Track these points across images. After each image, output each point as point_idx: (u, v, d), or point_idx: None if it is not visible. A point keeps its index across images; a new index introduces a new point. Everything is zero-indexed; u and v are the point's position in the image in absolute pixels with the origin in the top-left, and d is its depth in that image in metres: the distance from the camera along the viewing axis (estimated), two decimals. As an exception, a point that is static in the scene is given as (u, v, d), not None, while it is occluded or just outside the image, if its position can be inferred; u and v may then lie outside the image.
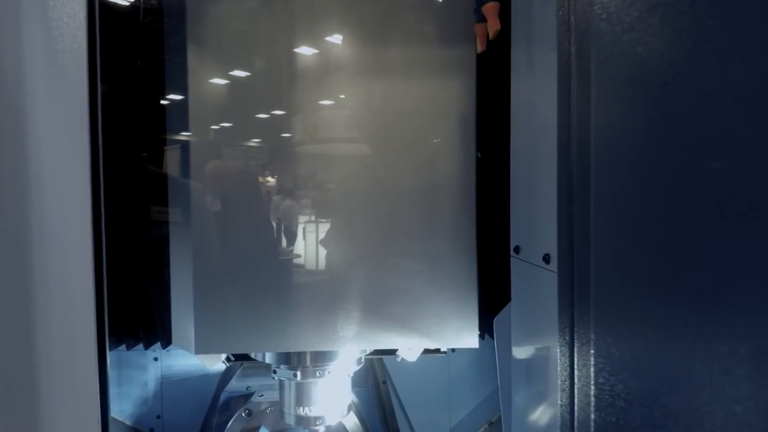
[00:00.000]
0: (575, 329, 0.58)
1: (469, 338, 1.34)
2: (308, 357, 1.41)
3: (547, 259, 0.78)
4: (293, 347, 1.30)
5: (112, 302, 1.87)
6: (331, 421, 1.51)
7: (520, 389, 1.03)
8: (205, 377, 2.25)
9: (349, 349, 1.44)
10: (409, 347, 1.37)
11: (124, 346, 2.05)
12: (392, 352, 1.82)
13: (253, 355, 1.48)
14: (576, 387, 0.59)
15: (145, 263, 1.48)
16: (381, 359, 2.39)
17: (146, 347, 2.07)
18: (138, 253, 1.47)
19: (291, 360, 1.42)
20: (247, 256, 1.31)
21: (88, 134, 0.83)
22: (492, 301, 1.43)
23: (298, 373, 1.43)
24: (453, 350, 2.33)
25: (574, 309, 0.58)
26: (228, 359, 1.49)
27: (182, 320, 1.35)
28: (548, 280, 0.75)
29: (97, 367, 0.76)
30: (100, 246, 0.84)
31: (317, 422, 1.48)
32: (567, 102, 0.65)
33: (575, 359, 0.58)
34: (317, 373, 1.44)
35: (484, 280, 1.36)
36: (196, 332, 1.31)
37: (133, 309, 1.96)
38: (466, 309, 1.33)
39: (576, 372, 0.58)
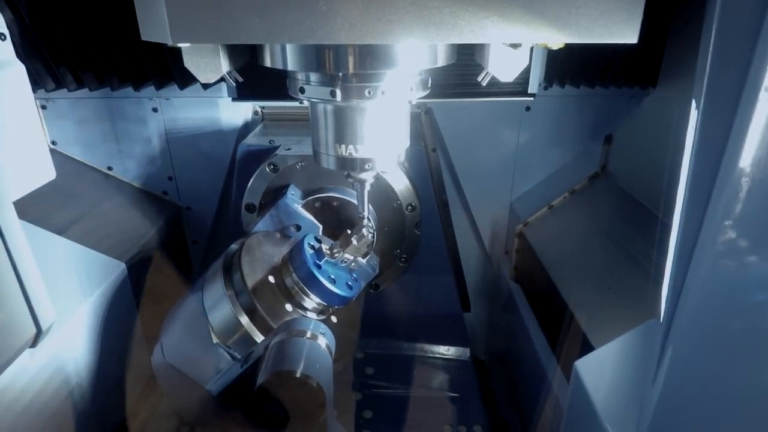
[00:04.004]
0: None
1: (627, 28, 0.78)
2: (351, 63, 0.90)
3: None
4: (325, 37, 0.77)
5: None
6: (383, 166, 1.08)
7: None
8: (219, 134, 1.84)
9: (414, 49, 0.92)
10: (515, 41, 0.83)
11: (109, 90, 1.60)
12: (467, 93, 1.31)
13: (268, 61, 0.97)
14: None
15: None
16: (432, 122, 1.92)
17: (136, 88, 1.61)
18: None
19: (325, 67, 0.92)
20: None
21: None
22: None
23: (338, 92, 0.95)
24: (528, 108, 1.82)
25: None
26: (234, 80, 1.00)
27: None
28: None
29: None
30: None
31: (365, 166, 1.06)
32: None
33: None
34: (366, 92, 0.95)
35: None
36: (169, 10, 0.78)
37: (112, 45, 1.44)
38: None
39: None
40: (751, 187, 0.66)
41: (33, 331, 0.92)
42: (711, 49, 0.68)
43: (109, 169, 1.88)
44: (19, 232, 0.86)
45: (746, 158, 0.64)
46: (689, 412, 0.79)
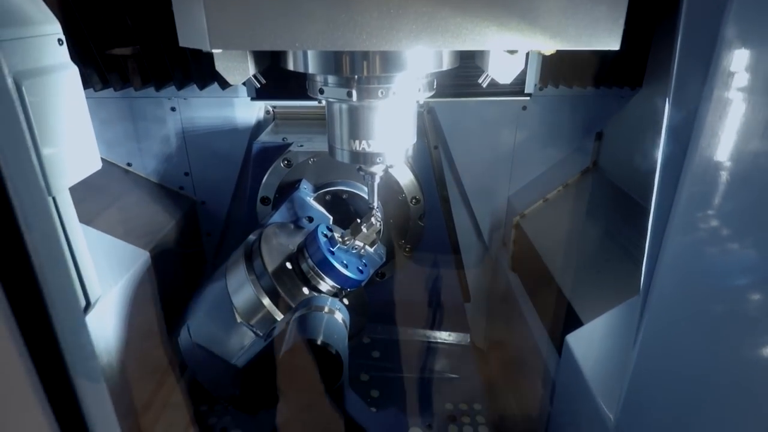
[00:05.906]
0: None
1: (610, 36, 0.90)
2: (366, 67, 1.02)
3: None
4: (345, 44, 0.88)
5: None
6: (393, 159, 1.19)
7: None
8: (234, 132, 1.95)
9: (422, 54, 1.03)
10: (512, 47, 0.94)
11: (132, 90, 1.71)
12: (468, 93, 1.42)
13: (291, 65, 1.09)
14: None
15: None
16: (435, 121, 2.03)
17: (157, 88, 1.72)
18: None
19: (342, 71, 1.03)
20: None
21: None
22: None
23: (354, 93, 1.06)
24: (524, 107, 1.94)
25: None
26: (257, 80, 1.11)
27: (190, 7, 0.92)
28: None
29: None
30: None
31: (377, 160, 1.17)
32: None
33: None
34: (379, 93, 1.06)
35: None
36: (208, 20, 0.89)
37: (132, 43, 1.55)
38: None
39: None
40: (713, 177, 0.77)
41: (83, 302, 1.02)
42: (677, 52, 0.79)
43: (129, 165, 1.98)
44: (73, 214, 0.96)
45: (707, 151, 0.75)
46: (660, 374, 0.91)
